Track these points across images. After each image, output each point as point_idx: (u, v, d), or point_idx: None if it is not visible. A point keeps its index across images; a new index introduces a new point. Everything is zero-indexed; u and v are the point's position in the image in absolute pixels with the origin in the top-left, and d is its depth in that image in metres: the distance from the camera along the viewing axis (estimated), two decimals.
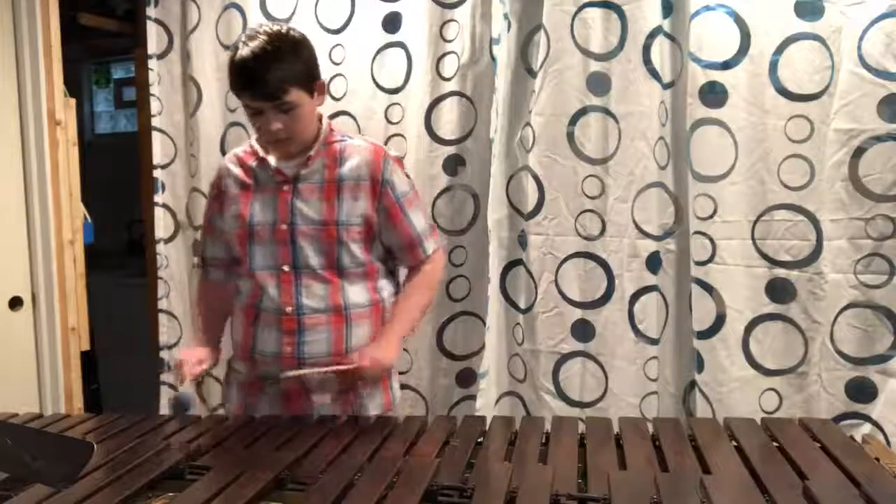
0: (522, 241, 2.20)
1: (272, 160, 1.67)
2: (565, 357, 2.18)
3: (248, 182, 1.69)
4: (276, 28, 1.57)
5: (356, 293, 1.66)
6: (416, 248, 1.72)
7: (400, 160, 1.74)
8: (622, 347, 2.14)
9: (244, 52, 1.52)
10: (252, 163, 1.71)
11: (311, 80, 1.59)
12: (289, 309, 1.64)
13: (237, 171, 1.72)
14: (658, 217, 2.10)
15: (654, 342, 2.14)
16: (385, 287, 1.73)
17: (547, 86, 2.11)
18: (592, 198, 2.13)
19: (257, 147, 1.71)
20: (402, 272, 1.81)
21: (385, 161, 1.66)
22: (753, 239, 1.97)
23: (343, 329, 1.65)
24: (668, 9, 2.02)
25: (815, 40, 1.88)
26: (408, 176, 1.75)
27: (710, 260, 1.99)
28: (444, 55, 2.24)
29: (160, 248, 2.66)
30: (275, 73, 1.51)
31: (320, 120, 1.69)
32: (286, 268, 1.64)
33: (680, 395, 2.14)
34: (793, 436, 1.37)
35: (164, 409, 2.66)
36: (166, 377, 2.64)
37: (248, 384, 1.73)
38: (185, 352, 1.75)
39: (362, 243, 1.66)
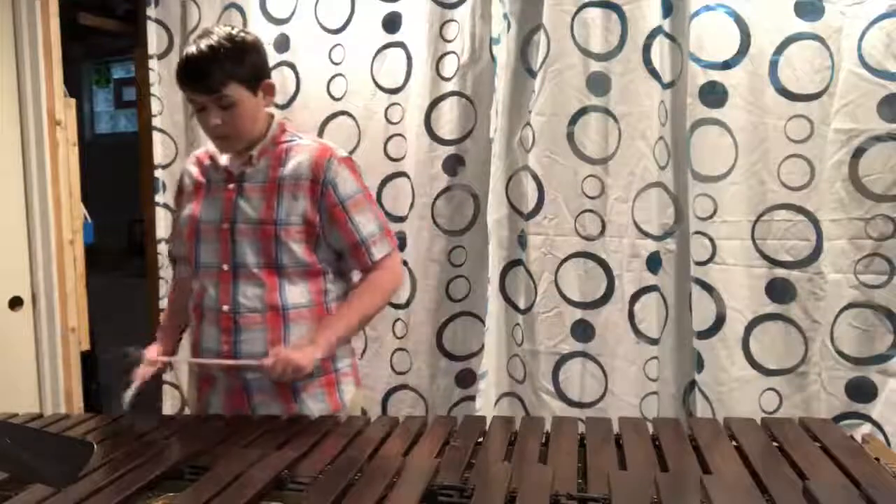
0: (522, 241, 2.20)
1: (223, 159, 1.69)
2: (565, 357, 2.18)
3: (202, 181, 1.72)
4: (226, 29, 1.61)
5: (296, 293, 1.65)
6: (361, 252, 1.67)
7: (350, 160, 1.70)
8: (622, 347, 2.14)
9: (191, 48, 1.57)
10: (207, 162, 1.73)
11: (254, 79, 1.61)
12: (225, 307, 1.64)
13: (194, 170, 1.75)
14: (658, 217, 2.10)
15: (654, 342, 2.14)
16: (332, 290, 1.70)
17: (547, 86, 2.11)
18: (592, 198, 2.13)
19: (213, 148, 1.72)
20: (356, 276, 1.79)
21: (329, 161, 1.64)
22: (753, 239, 1.97)
23: (280, 329, 1.64)
24: (668, 9, 2.02)
25: (815, 40, 1.89)
26: (359, 177, 1.70)
27: (710, 260, 1.99)
28: (444, 55, 2.24)
29: (161, 248, 2.66)
30: (214, 67, 1.55)
31: (271, 120, 1.70)
32: (225, 266, 1.65)
33: (680, 395, 2.14)
34: (793, 436, 1.36)
35: (168, 408, 2.66)
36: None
37: (201, 381, 1.75)
38: (146, 351, 1.72)
39: (304, 244, 1.64)
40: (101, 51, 3.82)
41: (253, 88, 1.61)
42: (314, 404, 1.68)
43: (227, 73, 1.55)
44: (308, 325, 1.66)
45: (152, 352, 1.73)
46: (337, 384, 1.73)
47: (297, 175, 1.63)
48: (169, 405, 2.68)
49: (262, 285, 1.63)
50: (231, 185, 1.66)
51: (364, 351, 2.37)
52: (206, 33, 1.59)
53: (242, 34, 1.63)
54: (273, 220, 1.62)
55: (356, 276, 1.76)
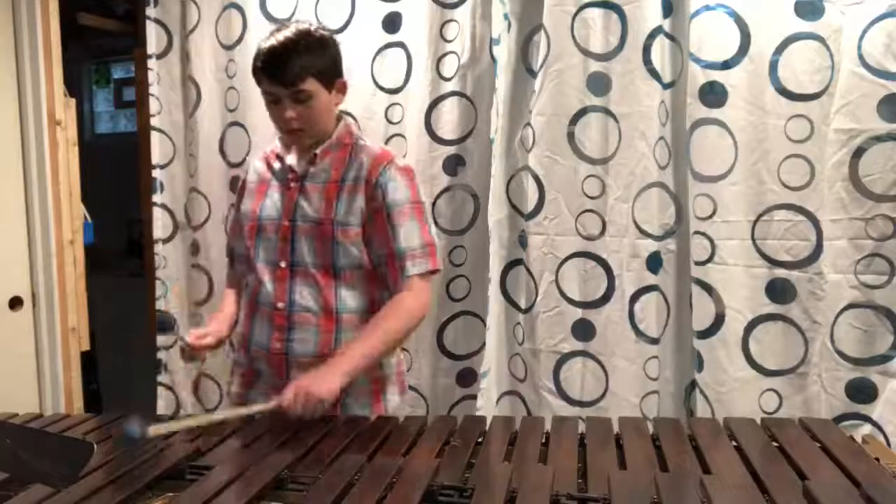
0: (523, 240, 2.20)
1: (289, 158, 1.70)
2: (566, 357, 2.18)
3: (267, 178, 1.73)
4: (304, 25, 1.64)
5: (352, 297, 1.65)
6: (394, 264, 1.62)
7: (409, 170, 1.68)
8: (622, 347, 2.14)
9: (270, 41, 1.59)
10: (273, 160, 1.74)
11: (330, 76, 1.62)
12: (280, 305, 1.65)
13: (261, 167, 1.76)
14: (658, 217, 2.10)
15: (655, 342, 2.14)
16: (385, 299, 1.66)
17: (547, 86, 2.11)
18: (592, 198, 2.13)
19: (281, 146, 1.74)
20: None
21: (386, 166, 1.63)
22: (753, 239, 1.97)
23: (332, 331, 1.65)
24: (668, 9, 2.02)
25: (815, 40, 1.88)
26: (416, 189, 1.66)
27: (710, 260, 1.99)
28: (444, 55, 2.23)
29: (158, 248, 2.66)
30: (294, 60, 1.56)
31: (340, 120, 1.71)
32: (283, 264, 1.66)
33: (680, 394, 2.14)
34: (793, 436, 1.36)
35: (162, 409, 2.67)
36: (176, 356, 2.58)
37: (245, 375, 1.75)
38: (194, 331, 1.71)
39: (363, 245, 1.65)
40: (101, 51, 3.82)
41: (328, 84, 1.62)
42: (359, 411, 1.65)
43: (306, 66, 1.57)
44: (360, 332, 1.63)
45: (203, 330, 1.70)
46: (382, 392, 1.71)
47: (356, 177, 1.65)
48: (163, 406, 2.67)
49: (318, 285, 1.64)
50: (294, 184, 1.67)
51: None
52: (284, 27, 1.61)
53: (320, 31, 1.65)
54: (331, 220, 1.63)
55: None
